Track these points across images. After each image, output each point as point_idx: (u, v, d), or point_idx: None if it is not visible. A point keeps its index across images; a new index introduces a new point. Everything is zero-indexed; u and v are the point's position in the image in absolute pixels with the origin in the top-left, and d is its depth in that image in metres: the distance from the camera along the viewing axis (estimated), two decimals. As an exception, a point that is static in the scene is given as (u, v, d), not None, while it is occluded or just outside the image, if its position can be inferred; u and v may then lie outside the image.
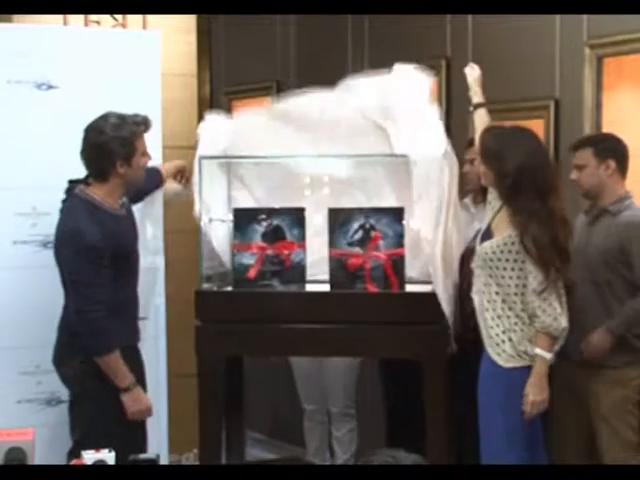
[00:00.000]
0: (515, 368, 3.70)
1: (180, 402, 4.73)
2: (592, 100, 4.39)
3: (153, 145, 4.13)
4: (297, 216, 4.14)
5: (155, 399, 4.23)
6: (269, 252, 4.11)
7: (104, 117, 3.84)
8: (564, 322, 3.65)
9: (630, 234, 3.91)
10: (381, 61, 5.34)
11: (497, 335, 3.72)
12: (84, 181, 3.91)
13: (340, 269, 4.06)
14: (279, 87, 6.01)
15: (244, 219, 4.15)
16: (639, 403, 3.95)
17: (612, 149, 4.00)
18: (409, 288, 4.06)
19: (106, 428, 3.75)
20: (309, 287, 4.14)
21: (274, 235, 4.13)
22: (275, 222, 4.12)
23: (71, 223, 3.83)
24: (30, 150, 4.30)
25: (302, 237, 4.13)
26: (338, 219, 4.09)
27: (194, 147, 4.55)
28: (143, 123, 3.88)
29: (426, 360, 3.89)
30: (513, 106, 4.63)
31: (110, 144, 3.80)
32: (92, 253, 3.75)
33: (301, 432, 5.17)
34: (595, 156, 3.99)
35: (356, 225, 4.07)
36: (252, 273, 4.10)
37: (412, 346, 3.91)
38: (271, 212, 4.16)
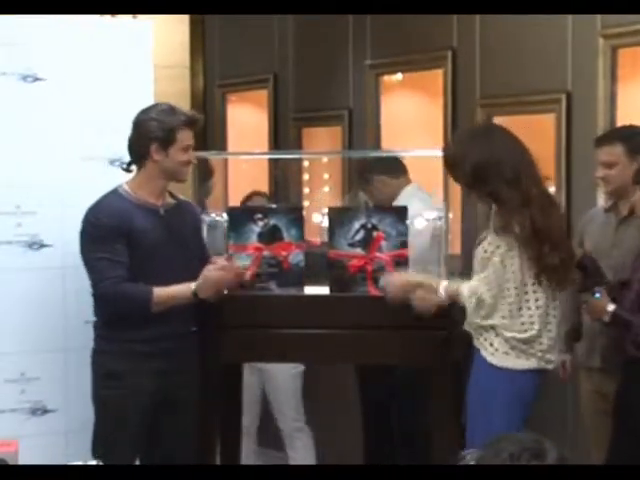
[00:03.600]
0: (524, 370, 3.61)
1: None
2: (606, 93, 4.33)
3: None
4: (295, 215, 4.06)
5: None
6: (266, 253, 4.01)
7: (157, 104, 3.90)
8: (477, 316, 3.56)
9: None
10: (384, 52, 5.25)
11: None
12: (126, 168, 3.89)
13: (340, 271, 3.96)
14: (276, 80, 5.90)
15: (239, 218, 4.05)
16: None
17: None
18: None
19: (103, 436, 3.76)
20: (308, 290, 4.06)
21: (271, 235, 4.02)
22: (272, 222, 4.02)
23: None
24: (15, 145, 4.18)
25: (300, 237, 4.04)
26: (338, 218, 3.99)
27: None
28: (189, 117, 3.84)
29: (433, 367, 3.85)
30: (523, 100, 4.65)
31: (149, 124, 3.78)
32: (95, 230, 3.72)
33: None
34: (627, 153, 3.87)
35: (357, 225, 3.96)
36: (248, 275, 3.98)
37: (417, 352, 3.87)
38: (268, 211, 4.09)
